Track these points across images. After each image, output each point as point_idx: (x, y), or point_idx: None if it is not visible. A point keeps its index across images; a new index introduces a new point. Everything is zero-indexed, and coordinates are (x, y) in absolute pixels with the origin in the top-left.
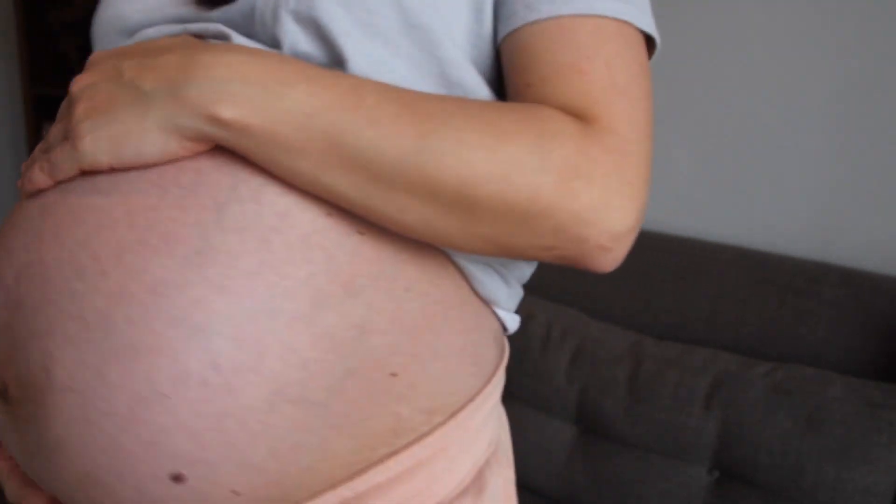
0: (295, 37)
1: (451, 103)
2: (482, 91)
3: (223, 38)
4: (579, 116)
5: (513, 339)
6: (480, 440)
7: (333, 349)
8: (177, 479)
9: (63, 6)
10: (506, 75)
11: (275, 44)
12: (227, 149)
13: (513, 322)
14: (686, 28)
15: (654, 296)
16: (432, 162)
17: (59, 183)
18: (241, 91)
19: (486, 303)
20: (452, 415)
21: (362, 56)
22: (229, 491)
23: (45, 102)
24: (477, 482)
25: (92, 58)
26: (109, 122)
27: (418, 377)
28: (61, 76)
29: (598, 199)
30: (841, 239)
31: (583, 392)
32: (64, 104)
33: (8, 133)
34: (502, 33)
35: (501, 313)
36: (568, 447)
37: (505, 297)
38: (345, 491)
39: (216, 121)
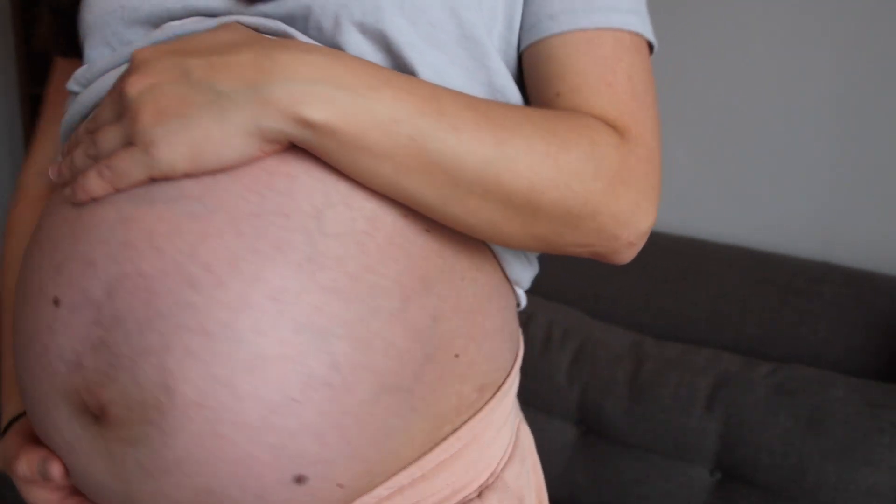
0: (360, 47)
1: (514, 112)
2: (517, 97)
3: (283, 36)
4: (611, 125)
5: None
6: (515, 408)
7: (417, 338)
8: (299, 480)
9: None
10: (530, 82)
11: (334, 48)
12: (300, 149)
13: (523, 297)
14: (687, 28)
15: (655, 296)
16: (507, 170)
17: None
18: (331, 94)
19: (511, 282)
20: (497, 389)
21: (427, 66)
22: (335, 485)
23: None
24: (516, 444)
25: (139, 56)
26: (186, 127)
27: (475, 357)
28: None
29: (633, 202)
30: (842, 239)
31: (584, 392)
32: (105, 106)
33: (5, 133)
34: (525, 42)
35: (519, 291)
36: (569, 448)
37: (528, 277)
38: (415, 470)
39: (303, 122)
